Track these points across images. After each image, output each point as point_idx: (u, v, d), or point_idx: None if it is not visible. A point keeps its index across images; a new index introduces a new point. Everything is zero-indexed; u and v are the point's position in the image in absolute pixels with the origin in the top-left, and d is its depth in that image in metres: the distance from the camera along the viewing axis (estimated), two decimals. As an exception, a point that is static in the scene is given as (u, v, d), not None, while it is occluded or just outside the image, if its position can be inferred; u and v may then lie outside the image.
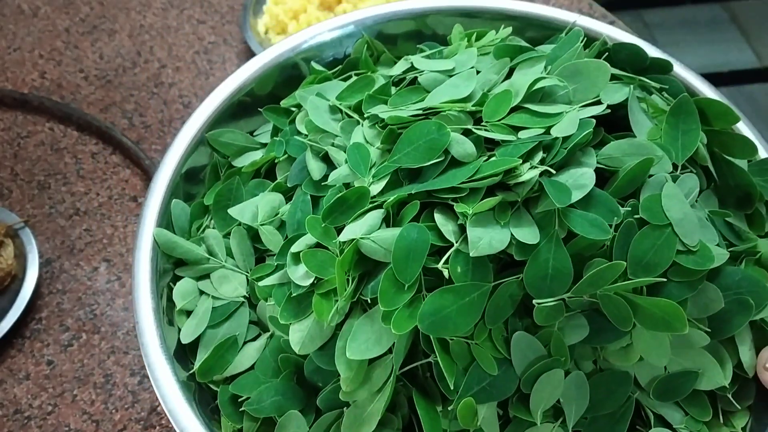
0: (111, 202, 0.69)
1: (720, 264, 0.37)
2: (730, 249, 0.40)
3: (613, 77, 0.42)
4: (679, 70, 0.49)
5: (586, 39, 0.46)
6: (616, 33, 0.51)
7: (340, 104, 0.43)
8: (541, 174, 0.36)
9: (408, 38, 0.55)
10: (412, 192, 0.37)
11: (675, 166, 0.40)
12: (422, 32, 0.55)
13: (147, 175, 0.70)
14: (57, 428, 0.55)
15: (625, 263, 0.35)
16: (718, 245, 0.38)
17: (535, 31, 0.53)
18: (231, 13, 0.87)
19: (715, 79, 1.81)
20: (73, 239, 0.66)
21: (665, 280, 0.36)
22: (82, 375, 0.58)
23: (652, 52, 0.49)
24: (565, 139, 0.38)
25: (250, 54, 0.81)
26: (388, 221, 0.37)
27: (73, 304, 0.62)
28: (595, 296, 0.36)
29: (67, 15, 0.87)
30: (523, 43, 0.45)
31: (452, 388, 0.34)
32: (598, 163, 0.39)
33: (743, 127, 0.45)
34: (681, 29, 1.97)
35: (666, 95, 0.46)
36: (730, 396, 0.38)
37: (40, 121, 0.76)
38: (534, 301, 0.35)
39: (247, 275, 0.43)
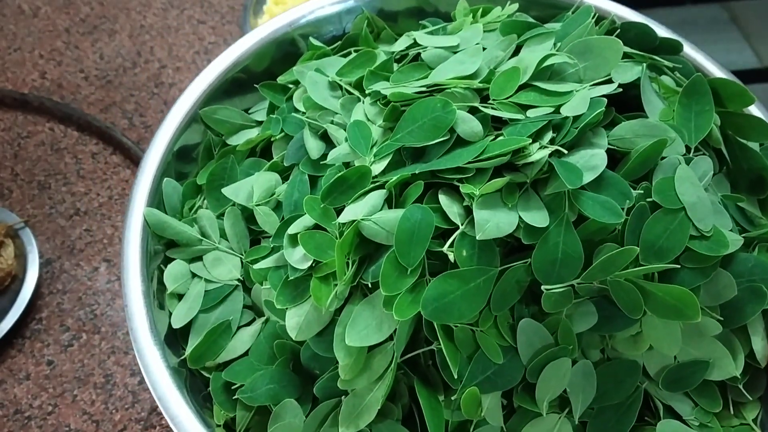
0: (111, 202, 0.68)
1: (734, 250, 0.36)
2: (743, 235, 0.38)
3: (625, 55, 0.40)
4: (689, 50, 0.47)
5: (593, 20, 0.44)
6: (625, 12, 0.49)
7: (340, 80, 0.42)
8: (551, 154, 0.35)
9: (409, 15, 0.53)
10: (416, 172, 0.35)
11: (688, 149, 0.38)
12: (424, 9, 0.53)
13: None
14: (57, 428, 0.55)
15: (637, 248, 0.34)
16: (731, 230, 0.37)
17: (540, 10, 0.52)
18: (231, 14, 0.87)
19: None
20: (73, 239, 0.65)
21: (678, 266, 0.34)
22: (82, 375, 0.58)
23: (662, 32, 0.47)
24: (576, 118, 0.36)
25: None
26: (390, 202, 0.36)
27: (73, 304, 0.61)
28: (605, 282, 0.34)
29: (67, 15, 0.86)
30: (531, 20, 0.44)
31: (456, 377, 0.33)
32: (609, 144, 0.37)
33: (755, 110, 0.44)
34: (681, 29, 1.96)
35: (678, 75, 0.44)
36: (741, 387, 0.37)
37: (41, 122, 0.75)
38: (542, 287, 0.33)
39: (241, 258, 0.41)
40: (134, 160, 0.70)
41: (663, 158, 0.37)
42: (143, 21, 0.85)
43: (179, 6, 0.87)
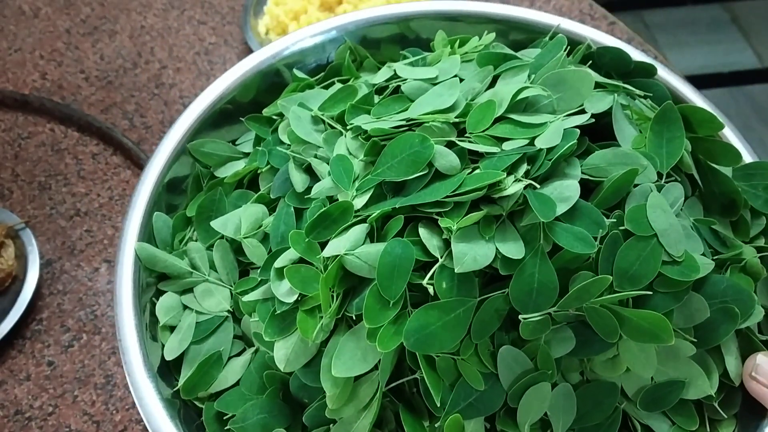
0: (112, 202, 0.69)
1: (705, 274, 0.37)
2: (716, 257, 0.40)
3: (597, 85, 0.42)
4: (663, 73, 0.48)
5: (569, 44, 0.46)
6: (600, 36, 0.50)
7: (323, 115, 0.43)
8: (526, 187, 0.36)
9: (391, 42, 0.54)
10: (397, 206, 0.37)
11: (660, 175, 0.40)
12: (406, 36, 0.54)
13: None
14: (58, 429, 0.55)
15: (611, 276, 0.35)
16: (703, 254, 0.38)
17: (519, 34, 0.53)
18: (232, 14, 0.87)
19: (715, 79, 1.83)
20: (73, 240, 0.66)
21: (651, 293, 0.35)
22: (82, 376, 0.58)
23: (636, 55, 0.49)
24: (549, 150, 0.38)
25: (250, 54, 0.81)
26: (372, 236, 0.37)
27: (73, 305, 0.62)
28: (582, 309, 0.36)
29: (67, 16, 0.87)
30: (507, 50, 0.45)
31: (439, 405, 0.34)
32: (582, 173, 0.38)
33: (729, 134, 0.45)
34: (682, 30, 1.98)
35: (650, 102, 0.46)
36: (716, 405, 0.38)
37: (41, 122, 0.75)
38: (520, 317, 0.35)
39: (230, 289, 0.42)
40: (135, 161, 0.71)
41: (636, 185, 0.38)
42: (144, 22, 0.86)
43: (180, 7, 0.88)
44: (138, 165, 0.70)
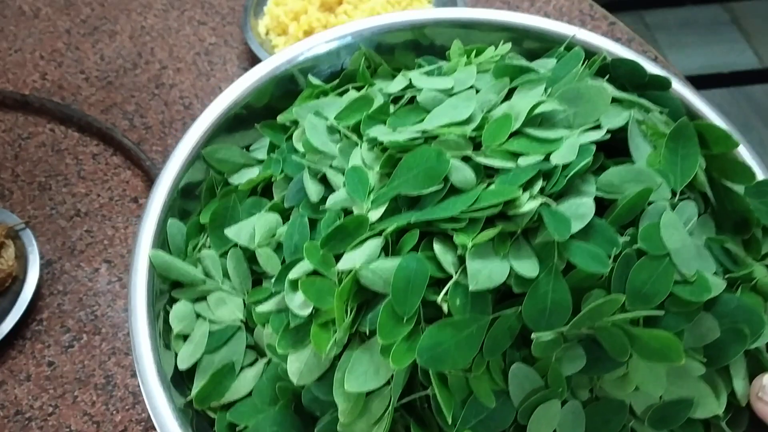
0: (112, 203, 0.69)
1: (717, 294, 0.37)
2: (727, 276, 0.40)
3: (613, 100, 0.42)
4: (678, 86, 0.48)
5: (585, 54, 0.46)
6: (615, 48, 0.50)
7: (339, 124, 0.43)
8: (541, 204, 0.36)
9: (405, 48, 0.54)
10: (412, 221, 0.37)
11: (674, 193, 0.40)
12: (420, 42, 0.54)
13: (148, 176, 0.70)
14: (58, 429, 0.55)
15: (623, 296, 0.35)
16: (715, 274, 0.39)
17: (533, 42, 0.53)
18: (232, 15, 0.87)
19: (715, 79, 1.83)
20: (74, 240, 0.66)
21: (662, 313, 0.36)
22: (82, 376, 0.58)
23: (651, 68, 0.48)
24: (565, 166, 0.38)
25: (251, 55, 0.81)
26: (387, 250, 0.37)
27: (73, 306, 0.62)
28: (593, 327, 0.36)
29: (68, 16, 0.87)
30: (523, 62, 0.45)
31: (450, 422, 0.35)
32: (598, 189, 0.38)
33: (742, 151, 0.45)
34: (682, 30, 1.98)
35: (666, 116, 0.46)
36: (723, 424, 0.39)
37: (41, 123, 0.76)
38: (532, 335, 0.35)
39: (243, 298, 0.42)
40: (135, 161, 0.71)
41: (650, 203, 0.39)
42: (144, 22, 0.86)
43: (180, 7, 0.88)
44: (138, 165, 0.70)
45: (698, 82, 0.82)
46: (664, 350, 0.35)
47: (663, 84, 0.48)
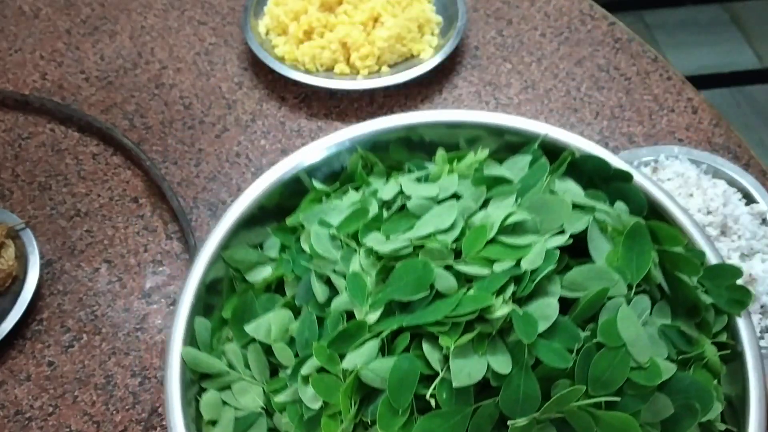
0: (112, 203, 0.70)
1: (668, 377, 0.43)
2: (681, 356, 0.46)
3: (576, 206, 0.48)
4: (639, 179, 0.55)
5: (554, 150, 0.53)
6: (582, 143, 0.57)
7: (339, 233, 0.50)
8: (511, 310, 0.43)
9: (398, 144, 0.61)
10: (404, 324, 0.43)
11: (630, 286, 0.46)
12: (411, 138, 0.61)
13: (148, 176, 0.70)
14: (58, 429, 0.56)
15: (585, 386, 0.42)
16: (668, 358, 0.45)
17: (512, 136, 0.59)
18: (232, 15, 0.88)
19: (715, 79, 1.85)
20: (74, 240, 0.67)
21: (619, 399, 0.42)
22: (82, 376, 0.59)
23: (615, 162, 0.55)
24: (533, 271, 0.44)
25: (251, 55, 0.83)
26: (383, 349, 0.44)
27: (74, 305, 0.62)
28: (562, 411, 0.42)
29: (68, 16, 0.88)
30: (497, 172, 0.51)
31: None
32: (563, 287, 0.45)
33: (698, 238, 0.51)
34: (682, 30, 2.01)
35: (627, 208, 0.52)
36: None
37: (41, 123, 0.76)
38: (508, 422, 0.41)
39: (263, 387, 0.49)
40: (135, 161, 0.71)
41: (609, 298, 0.45)
42: (144, 22, 0.87)
43: (180, 7, 0.89)
44: (138, 165, 0.70)
45: (698, 82, 0.87)
46: (624, 428, 0.42)
47: (625, 177, 0.54)
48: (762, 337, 0.64)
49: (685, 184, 0.70)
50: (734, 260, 0.67)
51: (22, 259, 0.62)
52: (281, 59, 0.83)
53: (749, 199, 0.71)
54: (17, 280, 0.62)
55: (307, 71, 0.83)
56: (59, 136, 0.76)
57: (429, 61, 0.83)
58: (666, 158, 0.74)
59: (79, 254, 0.66)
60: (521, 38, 0.90)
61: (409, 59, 0.86)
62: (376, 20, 0.85)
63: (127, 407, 0.58)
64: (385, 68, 0.84)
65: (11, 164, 0.73)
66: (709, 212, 0.68)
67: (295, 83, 0.82)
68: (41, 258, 0.64)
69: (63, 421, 0.57)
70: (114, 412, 0.58)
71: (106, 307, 0.63)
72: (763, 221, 0.70)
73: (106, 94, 0.80)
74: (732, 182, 0.72)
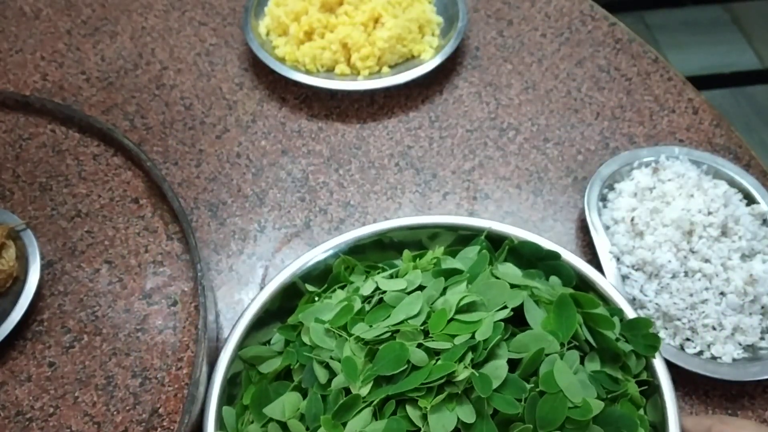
0: (113, 204, 0.70)
1: (598, 412, 0.56)
2: (610, 394, 0.59)
3: (513, 286, 0.62)
4: (567, 256, 0.69)
5: (498, 239, 0.67)
6: (519, 232, 0.71)
7: (332, 327, 0.63)
8: (470, 373, 0.55)
9: (373, 246, 0.74)
10: (389, 393, 0.56)
11: (562, 344, 0.59)
12: (383, 241, 0.74)
13: (148, 177, 0.70)
14: (58, 430, 0.56)
15: (534, 425, 0.54)
16: (597, 397, 0.57)
17: (464, 231, 0.73)
18: (232, 15, 0.89)
19: (715, 80, 1.88)
20: (74, 241, 0.67)
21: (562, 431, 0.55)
22: (83, 377, 0.59)
23: (546, 245, 0.69)
24: (485, 340, 0.57)
25: (251, 56, 0.83)
26: (375, 414, 0.56)
27: (74, 306, 0.62)
28: (519, 447, 0.54)
29: (68, 17, 0.88)
30: (451, 264, 0.65)
31: None
32: (510, 351, 0.58)
33: (617, 297, 0.65)
34: (682, 30, 2.03)
35: (559, 280, 0.66)
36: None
37: (42, 123, 0.76)
38: (477, 461, 0.54)
39: (284, 461, 0.61)
40: (135, 162, 0.71)
41: (547, 355, 0.58)
42: (144, 23, 0.88)
43: (180, 8, 0.89)
44: (139, 166, 0.70)
45: (698, 83, 0.87)
46: (568, 456, 0.54)
47: (555, 256, 0.68)
48: (762, 338, 0.68)
49: (686, 184, 0.71)
50: (735, 261, 0.68)
51: (22, 259, 0.62)
52: (282, 60, 0.84)
53: (750, 200, 0.72)
54: (18, 281, 0.62)
55: (308, 72, 0.83)
56: (60, 137, 0.75)
57: (429, 62, 0.85)
58: (667, 159, 0.75)
59: (80, 255, 0.66)
60: (522, 39, 0.90)
61: (410, 60, 0.87)
62: (376, 21, 0.85)
63: (127, 408, 0.58)
64: (385, 69, 0.85)
65: (12, 165, 0.73)
66: (709, 213, 0.68)
67: (296, 84, 0.82)
68: (42, 259, 0.64)
69: (64, 422, 0.57)
70: (114, 412, 0.58)
71: (106, 307, 0.63)
72: (764, 222, 0.71)
73: (106, 94, 0.79)
74: (733, 183, 0.73)
